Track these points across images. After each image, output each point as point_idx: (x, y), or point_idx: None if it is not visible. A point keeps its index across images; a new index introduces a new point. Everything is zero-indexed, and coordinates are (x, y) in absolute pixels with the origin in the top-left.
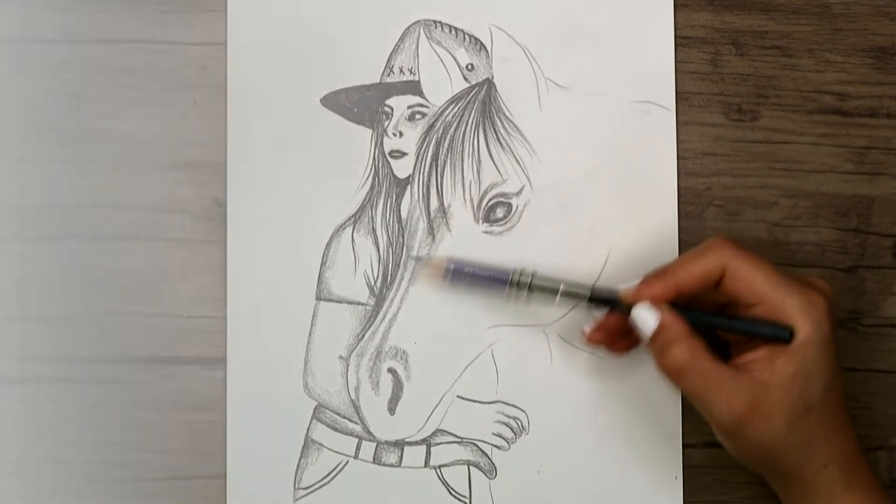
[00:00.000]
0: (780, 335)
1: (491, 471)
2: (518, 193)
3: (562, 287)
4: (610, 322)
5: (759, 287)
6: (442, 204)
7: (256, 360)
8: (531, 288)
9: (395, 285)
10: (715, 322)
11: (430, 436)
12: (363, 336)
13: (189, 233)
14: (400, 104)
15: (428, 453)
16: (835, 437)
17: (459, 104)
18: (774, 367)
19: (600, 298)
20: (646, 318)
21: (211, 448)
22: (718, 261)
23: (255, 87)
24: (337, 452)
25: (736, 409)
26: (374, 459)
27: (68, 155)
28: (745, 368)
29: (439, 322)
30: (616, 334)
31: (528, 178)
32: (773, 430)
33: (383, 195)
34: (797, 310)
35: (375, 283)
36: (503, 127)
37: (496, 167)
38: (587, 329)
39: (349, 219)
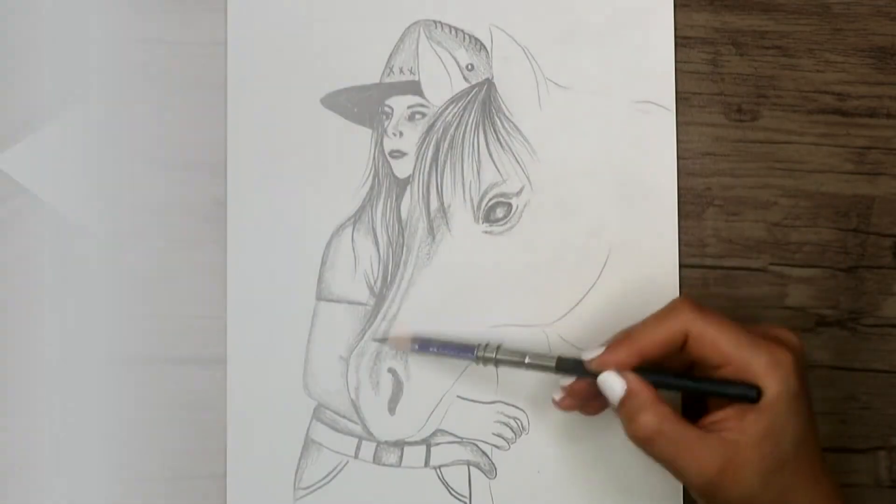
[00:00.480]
0: (748, 395)
1: (491, 471)
2: (518, 193)
3: (527, 359)
4: (579, 387)
5: (724, 348)
6: (442, 204)
7: (256, 360)
8: (497, 362)
9: (396, 285)
10: (681, 385)
11: (430, 436)
12: (364, 336)
13: (189, 233)
14: (400, 104)
15: (428, 453)
16: (811, 489)
17: (459, 104)
18: (744, 426)
19: (566, 368)
20: (612, 385)
21: (211, 448)
22: (681, 326)
23: (255, 87)
24: (337, 452)
25: (707, 471)
26: (374, 459)
27: None
28: (714, 429)
29: (440, 322)
30: (586, 398)
31: (528, 178)
32: (747, 490)
33: (383, 195)
34: (763, 368)
35: (375, 283)
36: (503, 127)
37: (496, 167)
38: (557, 397)
39: (349, 219)
